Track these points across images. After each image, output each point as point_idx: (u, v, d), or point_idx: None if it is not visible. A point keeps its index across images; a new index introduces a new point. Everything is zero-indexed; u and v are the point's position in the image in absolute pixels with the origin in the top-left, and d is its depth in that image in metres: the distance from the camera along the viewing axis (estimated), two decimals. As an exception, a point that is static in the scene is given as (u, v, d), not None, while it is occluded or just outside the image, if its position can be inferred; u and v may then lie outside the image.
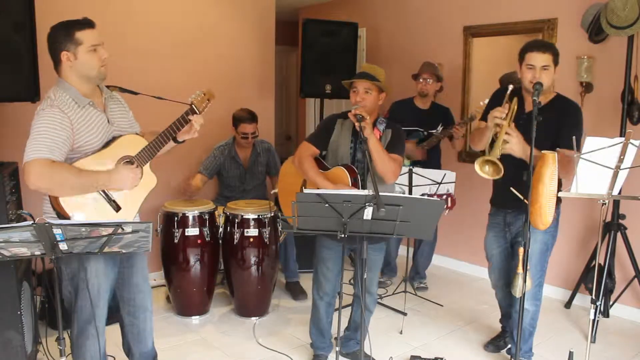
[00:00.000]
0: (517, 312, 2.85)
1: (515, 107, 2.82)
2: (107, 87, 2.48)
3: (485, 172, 2.71)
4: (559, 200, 2.96)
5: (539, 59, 2.75)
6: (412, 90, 4.42)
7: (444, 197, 2.85)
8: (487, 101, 3.65)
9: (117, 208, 2.35)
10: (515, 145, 2.69)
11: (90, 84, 2.34)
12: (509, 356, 3.35)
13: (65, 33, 2.25)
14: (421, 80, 4.30)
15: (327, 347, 3.26)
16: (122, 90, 2.51)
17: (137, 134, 2.49)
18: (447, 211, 3.11)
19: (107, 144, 2.34)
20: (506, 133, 2.67)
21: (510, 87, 2.81)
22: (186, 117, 2.45)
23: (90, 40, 2.26)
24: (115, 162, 2.33)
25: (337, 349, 2.63)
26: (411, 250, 4.54)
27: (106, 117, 2.38)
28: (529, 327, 3.09)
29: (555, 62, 2.81)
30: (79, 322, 2.37)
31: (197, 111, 2.47)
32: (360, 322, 3.04)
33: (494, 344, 3.43)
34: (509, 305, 3.29)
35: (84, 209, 2.27)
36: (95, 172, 2.27)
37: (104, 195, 2.32)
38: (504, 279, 3.22)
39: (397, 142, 3.01)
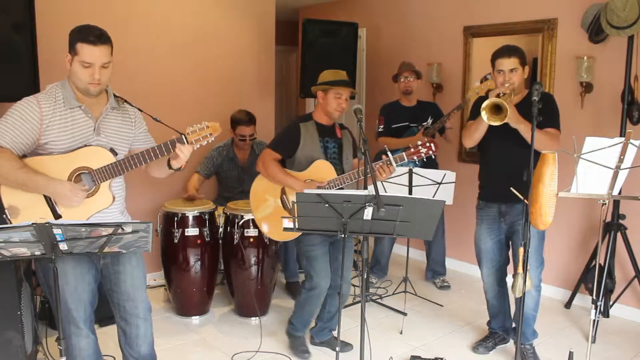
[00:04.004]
0: (517, 309, 2.88)
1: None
2: (116, 97, 2.45)
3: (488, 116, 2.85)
4: None
5: (505, 63, 3.00)
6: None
7: (427, 144, 3.01)
8: (478, 83, 3.98)
9: (57, 215, 2.28)
10: (512, 114, 2.85)
11: (80, 91, 2.32)
12: (506, 354, 3.36)
13: (73, 38, 2.25)
14: (402, 79, 4.39)
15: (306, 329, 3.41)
16: (128, 104, 2.48)
17: (112, 150, 2.37)
18: (434, 155, 3.30)
19: (73, 150, 2.30)
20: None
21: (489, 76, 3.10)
22: (169, 147, 2.34)
23: (86, 56, 2.23)
24: (72, 170, 2.27)
25: (337, 349, 2.62)
26: (411, 250, 4.53)
27: (95, 125, 2.35)
28: (532, 312, 3.18)
29: (523, 64, 3.03)
30: (61, 321, 2.35)
31: (185, 142, 2.35)
32: (335, 313, 3.29)
33: (484, 345, 3.42)
34: (500, 304, 3.35)
35: (22, 204, 2.26)
36: (36, 174, 2.22)
37: (46, 198, 2.28)
38: (496, 275, 3.28)
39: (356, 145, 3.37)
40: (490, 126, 2.92)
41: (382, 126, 4.36)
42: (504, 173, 2.97)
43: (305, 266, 3.23)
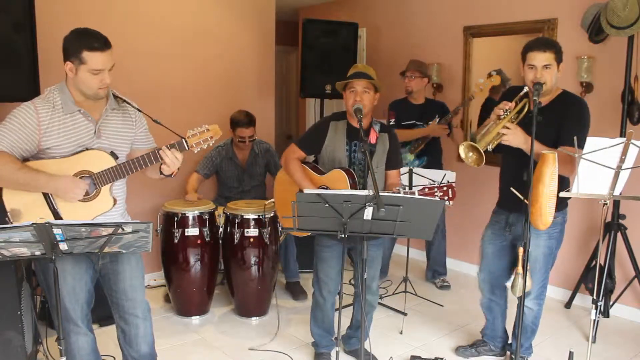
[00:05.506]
0: (518, 309, 2.86)
1: (525, 109, 2.81)
2: (116, 97, 2.44)
3: (468, 157, 2.67)
4: (565, 204, 2.96)
5: (539, 58, 2.71)
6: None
7: (445, 188, 2.80)
8: (481, 80, 3.86)
9: (58, 218, 2.29)
10: (512, 137, 2.67)
11: (85, 96, 2.32)
12: (507, 353, 3.36)
13: (75, 46, 2.21)
14: (405, 78, 4.40)
15: (331, 344, 3.27)
16: (128, 103, 2.47)
17: (112, 153, 2.36)
18: (450, 202, 3.05)
19: (74, 154, 2.30)
20: (504, 127, 2.67)
21: (526, 88, 2.79)
22: (157, 154, 2.33)
23: (95, 64, 2.21)
24: (73, 174, 2.27)
25: (337, 349, 2.62)
26: (411, 250, 4.53)
27: (95, 128, 2.34)
28: (531, 325, 3.10)
29: (558, 60, 2.76)
30: (60, 320, 2.36)
31: (185, 147, 2.34)
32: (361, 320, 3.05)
33: (464, 347, 3.39)
34: (490, 314, 3.28)
35: (24, 207, 2.26)
36: (37, 172, 2.23)
37: (47, 200, 2.28)
38: (491, 284, 3.19)
39: (398, 154, 3.11)
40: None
41: (393, 120, 4.36)
42: (516, 183, 2.73)
43: (313, 265, 3.18)
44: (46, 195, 2.28)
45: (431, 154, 4.36)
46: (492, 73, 3.96)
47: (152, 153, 2.34)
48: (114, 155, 2.35)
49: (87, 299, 2.44)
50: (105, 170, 2.31)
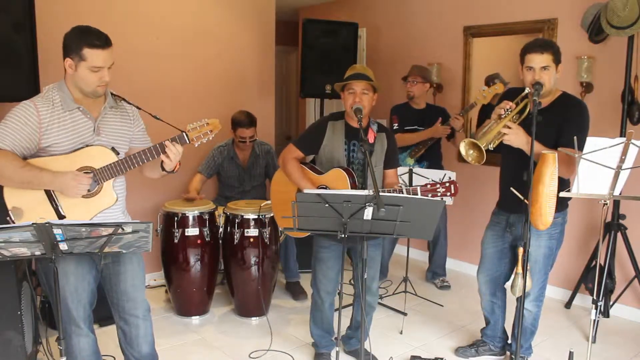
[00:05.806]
0: (517, 310, 2.86)
1: (526, 111, 2.79)
2: (113, 95, 2.45)
3: (469, 154, 2.66)
4: (565, 205, 2.96)
5: (537, 59, 2.72)
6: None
7: (447, 184, 2.79)
8: (485, 88, 3.84)
9: (61, 216, 2.29)
10: (513, 136, 2.67)
11: (84, 94, 2.32)
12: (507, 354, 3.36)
13: (75, 43, 2.22)
14: (407, 83, 4.41)
15: (331, 344, 3.27)
16: (126, 101, 2.48)
17: (113, 149, 2.36)
18: (451, 199, 3.01)
19: (75, 150, 2.30)
20: (505, 126, 2.66)
21: (527, 89, 2.77)
22: (162, 147, 2.33)
23: (96, 61, 2.22)
24: (75, 170, 2.27)
25: (337, 349, 2.62)
26: (412, 250, 4.53)
27: (94, 126, 2.35)
28: (530, 326, 3.10)
29: (557, 61, 2.77)
30: (61, 321, 2.36)
31: (186, 140, 2.36)
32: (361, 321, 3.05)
33: (465, 351, 3.38)
34: (491, 316, 3.28)
35: (26, 206, 2.26)
36: (40, 170, 2.23)
37: (49, 197, 2.28)
38: (490, 285, 3.19)
39: (395, 154, 3.12)
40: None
41: (396, 124, 4.36)
42: (513, 182, 2.74)
43: (312, 265, 3.18)
44: (48, 193, 2.28)
45: (431, 159, 4.35)
46: (496, 81, 3.96)
47: (154, 147, 2.34)
48: (114, 151, 2.35)
49: (89, 300, 2.44)
50: (107, 165, 2.31)
